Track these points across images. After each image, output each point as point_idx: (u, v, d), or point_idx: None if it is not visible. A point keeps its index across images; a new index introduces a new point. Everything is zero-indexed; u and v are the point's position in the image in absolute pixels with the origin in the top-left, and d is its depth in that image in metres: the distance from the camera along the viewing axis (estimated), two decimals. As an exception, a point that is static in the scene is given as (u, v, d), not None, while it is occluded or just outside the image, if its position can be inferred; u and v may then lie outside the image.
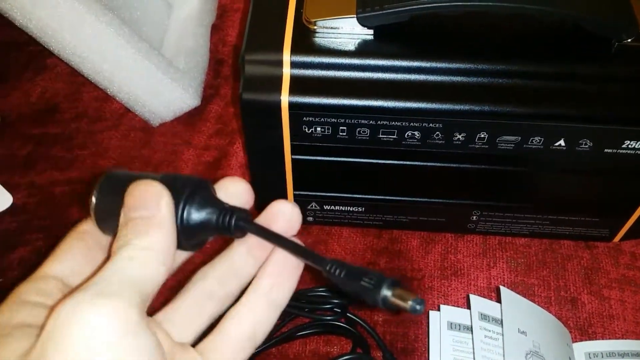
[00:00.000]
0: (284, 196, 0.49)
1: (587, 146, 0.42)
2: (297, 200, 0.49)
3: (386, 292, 0.23)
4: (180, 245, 0.26)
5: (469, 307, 0.46)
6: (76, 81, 0.65)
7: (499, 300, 0.46)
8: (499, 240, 0.52)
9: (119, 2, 0.60)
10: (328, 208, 0.50)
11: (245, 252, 0.29)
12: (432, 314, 0.47)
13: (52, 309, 0.24)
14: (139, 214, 0.25)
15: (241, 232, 0.27)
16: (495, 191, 0.47)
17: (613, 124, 0.40)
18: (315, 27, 0.41)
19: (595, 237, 0.51)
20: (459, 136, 0.42)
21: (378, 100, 0.40)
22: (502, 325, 0.44)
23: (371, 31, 0.41)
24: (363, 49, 0.41)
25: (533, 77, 0.40)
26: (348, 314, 0.46)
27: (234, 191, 0.29)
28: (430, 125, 0.41)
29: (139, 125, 0.61)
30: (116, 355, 0.21)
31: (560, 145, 0.42)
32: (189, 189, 0.26)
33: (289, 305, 0.48)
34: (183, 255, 0.29)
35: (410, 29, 0.41)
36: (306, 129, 0.42)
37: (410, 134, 0.42)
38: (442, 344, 0.45)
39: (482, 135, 0.41)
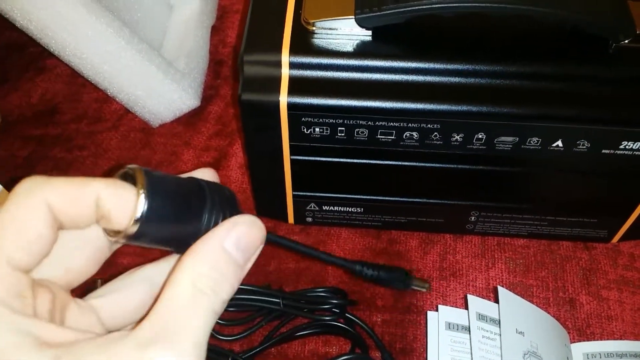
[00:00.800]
0: (283, 197, 0.49)
1: (584, 147, 0.42)
2: (296, 200, 0.49)
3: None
4: None
5: (467, 308, 0.46)
6: (76, 82, 0.65)
7: (497, 301, 0.46)
8: (498, 241, 0.52)
9: (119, 4, 0.61)
10: (327, 209, 0.50)
11: None
12: (430, 315, 0.47)
13: None
14: (239, 256, 0.24)
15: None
16: (493, 192, 0.47)
17: (610, 125, 0.40)
18: (314, 28, 0.41)
19: (593, 238, 0.51)
20: (457, 137, 0.42)
21: (376, 101, 0.40)
22: (499, 325, 0.44)
23: (370, 32, 0.41)
24: (362, 50, 0.41)
25: (530, 78, 0.40)
26: (347, 315, 0.46)
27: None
28: (429, 126, 0.41)
29: (139, 126, 0.61)
30: None
31: (557, 146, 0.42)
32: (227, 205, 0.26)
33: (288, 306, 0.48)
34: None
35: (408, 30, 0.41)
36: (305, 130, 0.42)
37: (408, 134, 0.42)
38: (440, 344, 0.45)
39: (480, 136, 0.42)
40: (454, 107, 0.40)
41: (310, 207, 0.50)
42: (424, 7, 0.39)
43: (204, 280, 0.23)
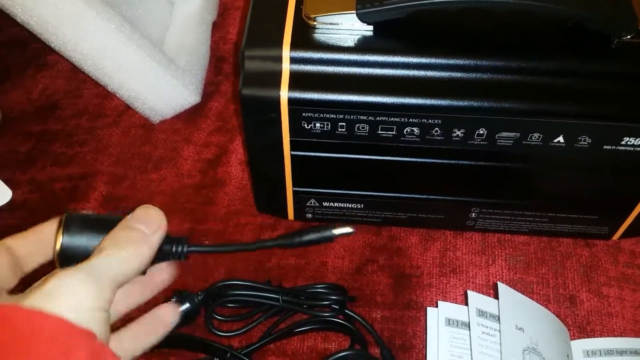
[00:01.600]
0: (283, 193, 0.49)
1: (586, 143, 0.42)
2: (297, 196, 0.49)
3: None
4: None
5: (466, 304, 0.46)
6: (77, 78, 0.65)
7: (497, 297, 0.46)
8: (498, 238, 0.52)
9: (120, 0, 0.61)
10: (327, 205, 0.50)
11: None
12: (430, 311, 0.47)
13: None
14: (141, 227, 0.31)
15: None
16: (494, 188, 0.47)
17: (612, 121, 0.40)
18: (315, 23, 0.41)
19: (594, 235, 0.51)
20: (458, 132, 0.42)
21: (377, 96, 0.40)
22: (499, 321, 0.44)
23: (371, 27, 0.41)
24: (363, 45, 0.41)
25: (532, 73, 0.40)
26: (346, 311, 0.46)
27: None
28: (430, 121, 0.41)
29: (140, 122, 0.61)
30: None
31: (559, 141, 0.42)
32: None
33: (287, 302, 0.48)
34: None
35: (409, 25, 0.41)
36: (305, 125, 0.42)
37: (409, 130, 0.42)
38: (440, 340, 0.45)
39: (481, 132, 0.41)
40: (455, 103, 0.40)
41: (311, 203, 0.50)
42: (425, 2, 0.39)
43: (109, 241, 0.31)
